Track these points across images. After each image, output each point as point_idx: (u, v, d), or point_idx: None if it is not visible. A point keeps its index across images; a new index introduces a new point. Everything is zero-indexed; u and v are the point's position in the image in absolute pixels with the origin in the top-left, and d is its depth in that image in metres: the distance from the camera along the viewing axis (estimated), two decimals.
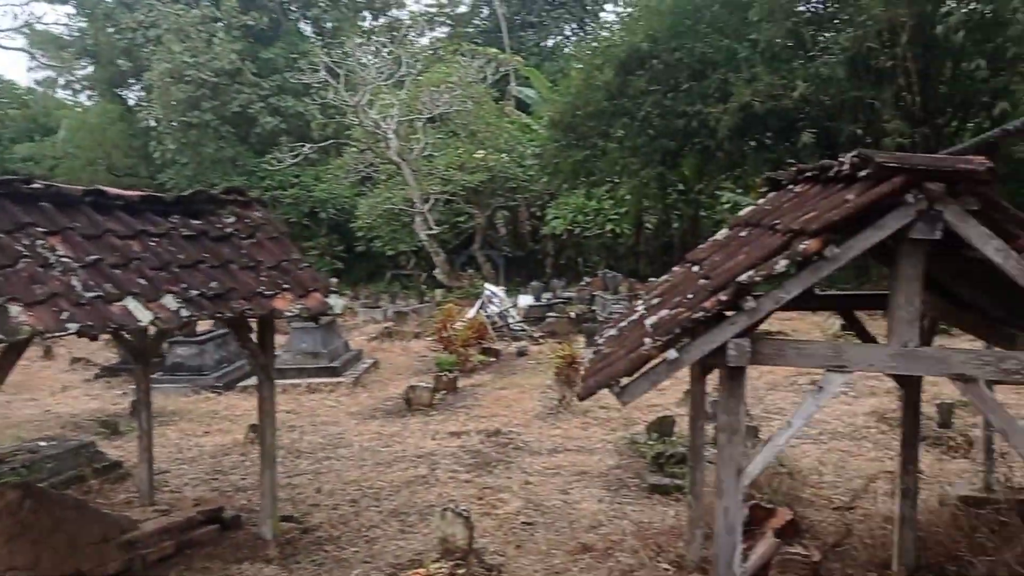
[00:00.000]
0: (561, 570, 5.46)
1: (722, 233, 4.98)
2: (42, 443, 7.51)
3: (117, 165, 31.47)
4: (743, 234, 4.29)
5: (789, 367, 4.76)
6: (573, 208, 24.57)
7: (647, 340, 3.20)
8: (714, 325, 3.23)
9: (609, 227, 25.02)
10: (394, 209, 24.86)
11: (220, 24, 27.60)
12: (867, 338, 4.96)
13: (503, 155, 25.51)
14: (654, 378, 3.25)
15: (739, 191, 25.92)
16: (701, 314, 3.14)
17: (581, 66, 23.55)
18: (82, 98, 39.89)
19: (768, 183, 5.16)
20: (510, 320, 17.20)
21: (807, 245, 3.02)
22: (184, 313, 4.89)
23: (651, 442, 7.92)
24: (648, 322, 3.48)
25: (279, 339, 15.47)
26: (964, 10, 16.91)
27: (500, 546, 5.87)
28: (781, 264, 3.05)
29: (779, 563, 5.10)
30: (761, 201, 5.11)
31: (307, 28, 31.65)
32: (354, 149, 25.97)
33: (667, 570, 5.31)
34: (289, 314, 5.56)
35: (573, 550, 5.74)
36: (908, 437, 5.06)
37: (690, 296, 3.48)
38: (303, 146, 25.43)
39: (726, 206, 26.28)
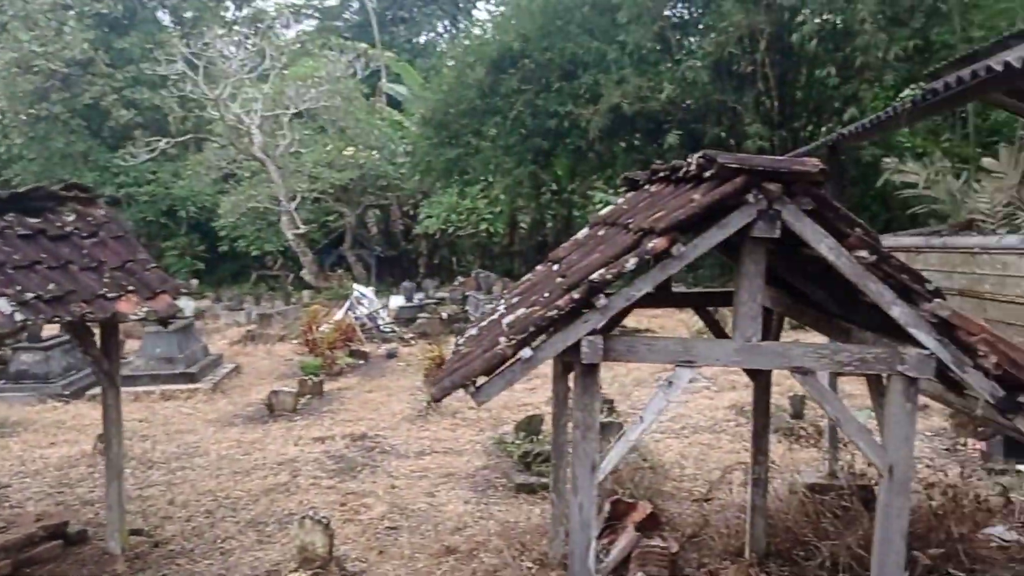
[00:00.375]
0: (424, 574, 5.39)
1: (583, 232, 5.04)
2: None
3: None
4: (601, 233, 4.34)
5: (647, 363, 4.83)
6: (446, 207, 24.48)
7: (502, 339, 3.17)
8: (568, 323, 3.23)
9: (483, 226, 25.08)
10: (259, 207, 24.08)
11: (71, 12, 25.98)
12: (720, 333, 5.12)
13: (374, 152, 25.19)
14: (509, 377, 3.23)
15: (611, 191, 26.53)
16: (555, 312, 3.13)
17: (453, 63, 23.53)
18: None
19: (626, 183, 5.25)
20: (380, 322, 16.98)
21: (655, 243, 3.07)
22: (19, 317, 4.55)
23: (518, 441, 7.95)
24: (505, 321, 3.45)
25: (132, 344, 14.76)
26: (817, 20, 17.87)
27: (362, 552, 5.74)
28: (631, 262, 3.09)
29: (639, 555, 5.20)
30: (620, 201, 5.19)
31: (165, 17, 30.16)
32: (215, 145, 25.01)
33: (530, 568, 5.32)
34: (135, 317, 5.25)
35: (437, 553, 5.68)
36: (759, 428, 5.25)
37: (547, 295, 3.48)
38: (160, 141, 24.25)
39: (598, 206, 26.85)
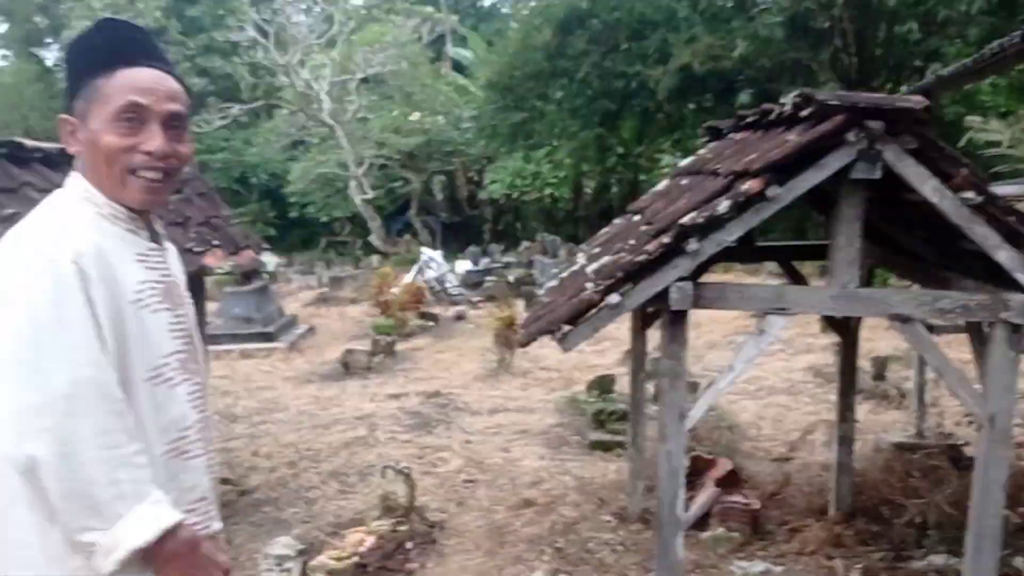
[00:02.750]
0: (503, 524, 5.43)
1: (663, 184, 4.95)
2: None
3: (35, 128, 30.08)
4: (684, 182, 4.25)
5: (731, 311, 4.71)
6: (511, 172, 24.39)
7: (589, 285, 3.14)
8: (656, 269, 3.18)
9: (548, 191, 24.95)
10: (328, 174, 24.35)
11: None
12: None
13: (439, 118, 25.19)
14: (596, 323, 3.19)
15: (678, 154, 26.10)
16: (644, 257, 3.08)
17: (519, 25, 23.29)
18: None
19: (708, 132, 5.13)
20: (448, 285, 17.08)
21: (749, 185, 2.99)
22: None
23: (591, 400, 7.92)
24: (589, 269, 3.41)
25: (211, 305, 15.16)
26: None
27: (442, 503, 5.82)
28: (723, 205, 3.01)
29: (720, 511, 5.16)
30: (701, 151, 5.08)
31: None
32: (285, 111, 25.34)
33: (609, 521, 5.33)
34: (220, 271, 5.38)
35: (515, 505, 5.72)
36: (845, 387, 5.14)
37: (632, 243, 3.43)
38: (232, 107, 24.68)
39: (666, 170, 26.46)
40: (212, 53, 27.01)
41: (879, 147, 2.98)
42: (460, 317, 14.47)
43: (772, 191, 3.01)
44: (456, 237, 26.90)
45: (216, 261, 5.26)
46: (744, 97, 18.88)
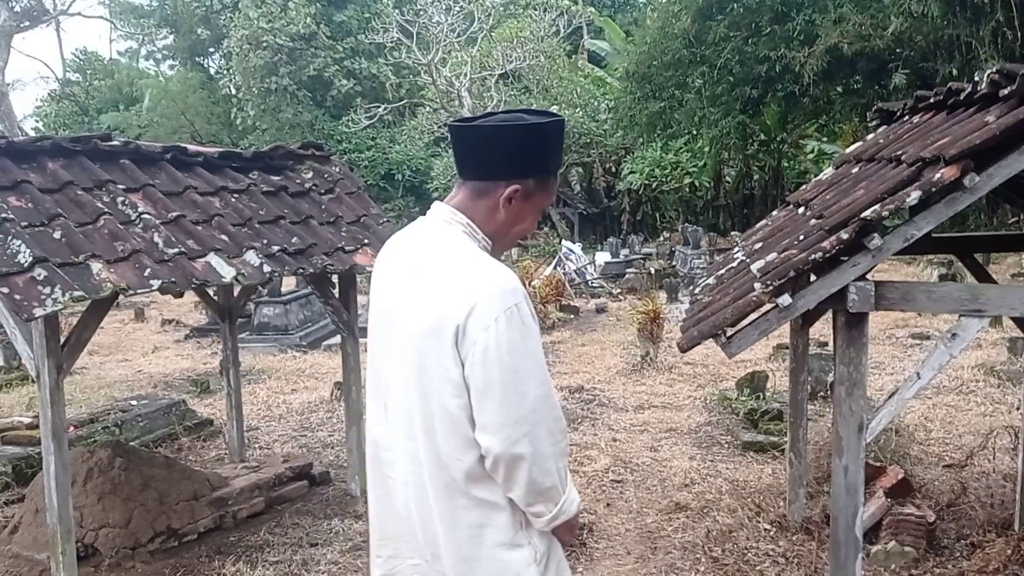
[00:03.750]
0: (655, 529, 5.26)
1: (827, 173, 4.64)
2: (133, 402, 7.63)
3: (200, 132, 32.08)
4: (855, 171, 3.94)
5: (914, 312, 4.31)
6: (649, 162, 23.98)
7: (757, 286, 2.93)
8: (832, 267, 2.94)
9: (687, 181, 24.37)
10: None
11: None
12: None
13: (577, 110, 25.03)
14: (764, 327, 2.99)
15: (824, 139, 24.94)
16: (820, 255, 2.85)
17: (656, 14, 22.80)
18: (164, 67, 40.82)
19: (880, 115, 4.76)
20: (588, 277, 16.95)
21: (944, 173, 2.70)
22: (267, 269, 4.80)
23: (743, 398, 7.61)
24: (754, 267, 3.20)
25: (362, 299, 15.61)
26: None
27: (590, 504, 5.70)
28: (912, 196, 2.74)
29: (891, 523, 4.81)
30: (871, 136, 4.73)
31: None
32: (428, 109, 25.84)
33: (768, 530, 5.06)
34: (371, 269, 5.43)
35: (666, 508, 5.54)
36: None
37: (801, 238, 3.19)
38: (378, 107, 25.40)
39: (810, 156, 25.37)
40: (359, 55, 27.89)
41: None
42: (601, 310, 14.32)
43: (970, 180, 2.71)
44: (594, 229, 26.72)
45: (368, 260, 5.33)
46: (898, 78, 17.82)
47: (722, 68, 20.24)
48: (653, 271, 16.48)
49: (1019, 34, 17.30)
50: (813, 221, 3.38)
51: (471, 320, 1.94)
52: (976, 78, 3.01)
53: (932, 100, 3.66)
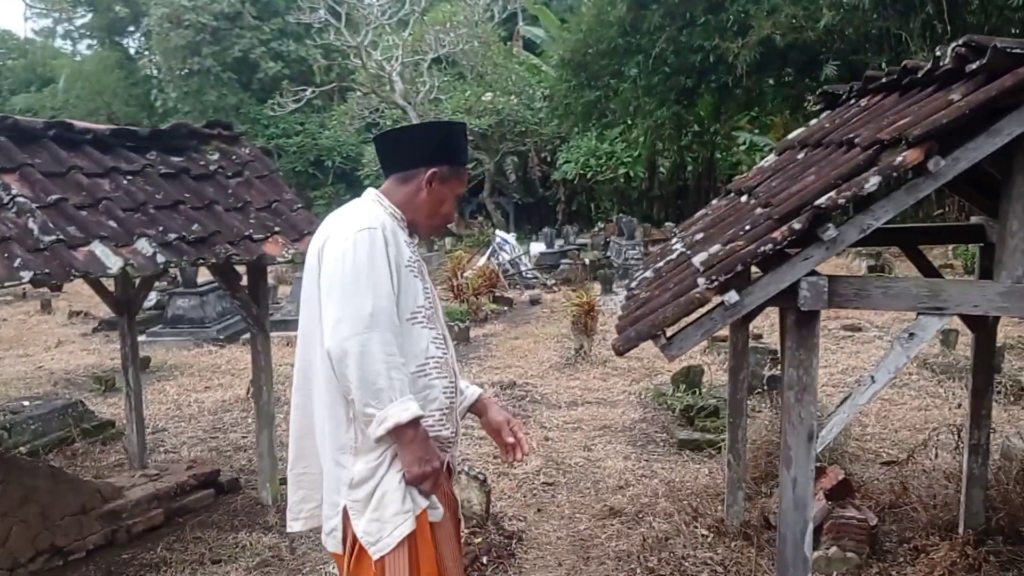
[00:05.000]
0: (587, 537, 4.96)
1: (770, 159, 4.36)
2: (25, 403, 7.02)
3: (118, 115, 30.75)
4: (800, 156, 3.67)
5: (871, 310, 4.09)
6: (585, 152, 23.76)
7: (701, 281, 2.62)
8: (782, 261, 2.64)
9: (622, 171, 24.24)
10: None
11: None
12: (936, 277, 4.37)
13: (512, 97, 24.67)
14: (708, 326, 2.68)
15: (755, 131, 25.09)
16: (770, 246, 2.54)
17: (591, 2, 22.57)
18: (81, 47, 39.10)
19: (824, 98, 4.51)
20: (522, 268, 16.64)
21: (907, 156, 2.42)
22: (160, 259, 4.32)
23: (679, 394, 7.38)
24: (696, 260, 2.88)
25: (284, 289, 15.01)
26: None
27: (519, 510, 5.38)
28: (871, 182, 2.45)
29: (832, 527, 4.58)
30: (815, 121, 4.48)
31: None
32: (358, 94, 25.15)
33: (705, 536, 4.80)
34: (282, 260, 4.99)
35: (599, 514, 5.24)
36: (980, 386, 4.49)
37: (748, 228, 2.88)
38: (306, 91, 24.61)
39: (743, 147, 25.50)
40: (286, 37, 27.04)
41: None
42: (535, 301, 14.02)
43: (935, 164, 2.44)
44: (528, 218, 26.41)
45: (277, 249, 4.89)
46: (829, 70, 17.98)
47: (657, 58, 20.13)
48: (588, 262, 16.24)
49: (948, 27, 17.56)
50: (760, 210, 3.08)
51: (327, 244, 2.43)
52: (938, 53, 2.74)
53: (884, 80, 3.40)
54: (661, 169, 26.83)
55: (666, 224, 23.16)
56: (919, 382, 8.13)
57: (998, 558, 4.38)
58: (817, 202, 2.54)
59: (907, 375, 8.39)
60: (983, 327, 4.45)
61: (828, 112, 4.39)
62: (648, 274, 3.65)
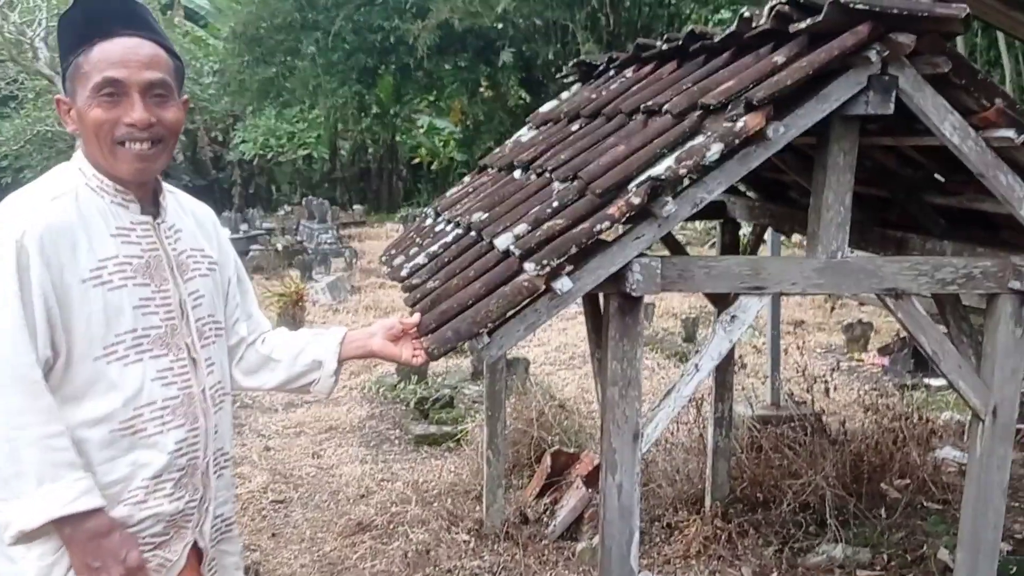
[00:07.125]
0: (337, 560, 4.38)
1: (528, 134, 4.07)
2: None
3: None
4: (575, 128, 3.39)
5: (692, 293, 3.98)
6: (264, 131, 22.43)
7: (529, 266, 2.20)
8: (612, 241, 2.31)
9: (303, 152, 23.27)
10: (47, 133, 20.99)
11: None
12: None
13: None
14: (533, 319, 2.29)
15: (433, 115, 25.40)
16: (607, 224, 2.20)
17: None
18: None
19: (579, 69, 4.29)
20: None
21: (747, 121, 2.19)
22: None
23: (411, 385, 6.96)
24: (499, 243, 2.46)
25: None
26: None
27: (250, 538, 4.65)
28: (714, 150, 2.19)
29: (593, 515, 4.47)
30: (567, 94, 4.26)
31: None
32: None
33: (467, 542, 4.45)
34: None
35: (346, 530, 4.68)
36: (723, 361, 4.58)
37: (555, 205, 2.50)
38: None
39: (422, 130, 25.69)
40: None
41: (894, 72, 2.29)
42: None
43: (774, 130, 2.24)
44: (202, 202, 24.40)
45: None
46: (506, 56, 18.62)
47: (336, 35, 19.44)
48: (280, 248, 15.20)
49: (611, 19, 18.87)
50: (560, 184, 2.73)
51: None
52: (746, 13, 2.55)
53: (665, 48, 3.21)
54: (342, 151, 26.19)
55: (354, 207, 22.65)
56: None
57: (744, 529, 4.51)
58: (654, 173, 2.23)
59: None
60: (723, 301, 4.53)
61: (582, 84, 4.19)
62: (420, 260, 3.16)
